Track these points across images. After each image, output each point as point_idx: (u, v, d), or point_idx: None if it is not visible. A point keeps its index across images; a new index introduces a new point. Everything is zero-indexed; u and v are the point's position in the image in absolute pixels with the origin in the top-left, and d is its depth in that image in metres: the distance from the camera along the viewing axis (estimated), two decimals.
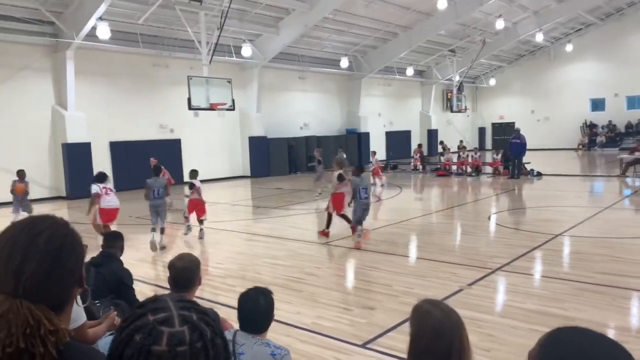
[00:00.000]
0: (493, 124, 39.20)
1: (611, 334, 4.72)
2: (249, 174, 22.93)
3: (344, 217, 9.38)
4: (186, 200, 10.52)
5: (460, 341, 1.77)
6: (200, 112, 16.51)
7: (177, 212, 12.25)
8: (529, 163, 20.35)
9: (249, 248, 9.17)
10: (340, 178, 9.40)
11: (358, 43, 25.55)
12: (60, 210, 12.52)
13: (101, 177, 9.40)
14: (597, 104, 33.90)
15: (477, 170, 21.24)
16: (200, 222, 10.04)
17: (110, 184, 9.64)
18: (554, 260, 7.53)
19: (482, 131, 39.78)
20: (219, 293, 6.33)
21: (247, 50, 20.37)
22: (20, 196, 11.64)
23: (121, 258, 4.82)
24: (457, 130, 37.56)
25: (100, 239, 4.98)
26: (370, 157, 19.68)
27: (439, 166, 22.76)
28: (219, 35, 16.32)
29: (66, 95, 16.76)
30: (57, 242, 1.13)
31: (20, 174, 11.66)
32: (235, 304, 2.71)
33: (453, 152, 24.07)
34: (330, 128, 27.89)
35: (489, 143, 38.68)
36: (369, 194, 8.83)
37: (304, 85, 26.15)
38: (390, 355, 4.35)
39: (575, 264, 7.27)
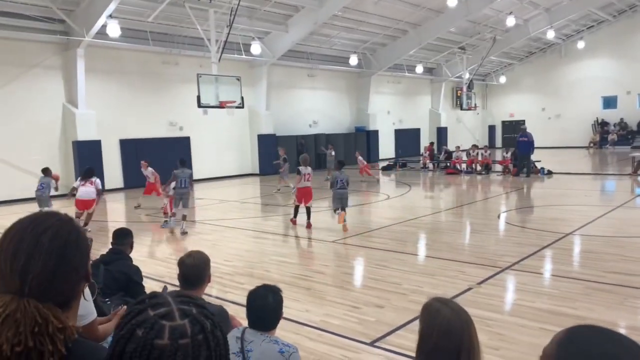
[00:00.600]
0: (503, 122, 38.94)
1: (622, 333, 4.67)
2: (257, 172, 22.98)
3: (307, 209, 10.33)
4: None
5: (469, 340, 1.76)
6: (209, 110, 16.56)
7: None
8: (539, 161, 20.20)
9: (257, 245, 9.20)
10: (298, 172, 10.38)
11: (367, 40, 25.48)
12: (71, 208, 12.65)
13: (84, 173, 11.01)
14: (609, 102, 33.54)
15: (487, 169, 21.13)
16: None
17: (93, 178, 10.91)
18: (564, 260, 7.48)
19: (492, 129, 39.54)
20: (227, 290, 6.36)
21: (256, 48, 20.39)
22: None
23: (131, 255, 4.84)
24: (466, 128, 37.37)
25: (110, 237, 5.01)
26: (357, 157, 19.88)
27: (448, 164, 22.66)
28: (229, 33, 16.36)
29: (76, 93, 16.88)
30: (61, 240, 1.13)
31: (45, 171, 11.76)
32: (243, 301, 2.71)
33: (462, 150, 23.87)
34: (339, 126, 27.86)
35: (499, 141, 38.43)
36: (346, 185, 10.04)
37: (313, 83, 26.13)
38: (399, 353, 4.34)
39: (585, 263, 7.21)
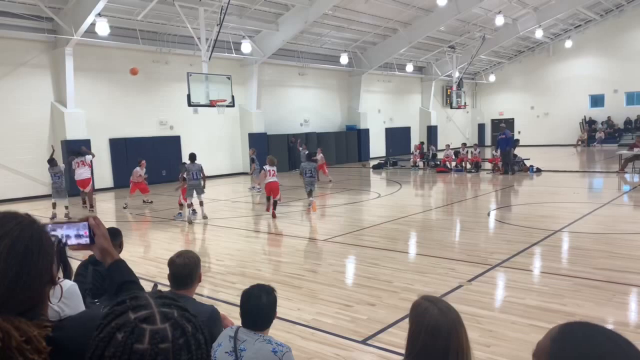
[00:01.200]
0: (493, 120, 39.19)
1: (611, 329, 4.73)
2: (249, 171, 22.88)
3: (274, 202, 11.84)
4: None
5: (457, 339, 1.74)
6: (199, 108, 16.49)
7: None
8: (528, 159, 20.37)
9: (248, 245, 9.19)
10: (262, 170, 12.13)
11: (358, 39, 25.51)
12: (59, 208, 12.56)
13: (76, 153, 13.07)
14: (597, 100, 33.89)
15: (477, 167, 21.26)
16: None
17: (85, 157, 13.00)
18: (553, 256, 7.54)
19: (481, 127, 39.77)
20: (219, 290, 6.35)
21: (246, 46, 20.33)
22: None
23: (121, 255, 4.80)
24: (456, 127, 37.57)
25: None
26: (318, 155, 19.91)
27: (438, 162, 22.77)
28: (219, 32, 16.29)
29: (65, 92, 16.73)
30: (21, 246, 1.07)
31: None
32: (235, 300, 2.72)
33: (452, 149, 23.96)
34: (330, 124, 27.88)
35: (488, 139, 38.68)
36: (313, 174, 12.60)
37: (303, 81, 26.12)
38: (391, 351, 4.36)
39: (574, 260, 7.28)
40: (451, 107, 32.37)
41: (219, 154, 22.24)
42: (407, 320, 1.94)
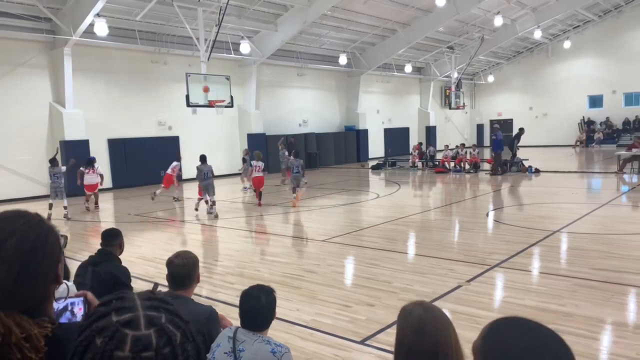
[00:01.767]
0: (491, 121, 39.16)
1: (609, 329, 4.75)
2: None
3: (259, 193, 13.33)
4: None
5: (446, 342, 1.70)
6: (198, 109, 16.46)
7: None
8: (526, 159, 20.39)
9: (247, 245, 9.19)
10: (250, 165, 13.59)
11: (357, 40, 25.52)
12: (58, 208, 12.55)
13: (87, 162, 14.06)
14: (595, 101, 33.94)
15: (476, 167, 21.28)
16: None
17: (96, 166, 14.19)
18: (552, 257, 7.55)
19: (480, 128, 39.79)
20: (217, 290, 6.34)
21: (245, 47, 20.32)
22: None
23: (121, 256, 4.79)
24: (455, 127, 37.59)
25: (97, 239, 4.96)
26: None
27: (437, 163, 22.79)
28: (217, 32, 16.28)
29: (64, 92, 16.71)
30: (27, 245, 1.08)
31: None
32: (234, 301, 2.72)
33: (451, 149, 23.97)
34: (329, 125, 27.88)
35: (487, 140, 38.67)
36: (300, 170, 13.28)
37: (302, 82, 26.11)
38: (389, 351, 4.36)
39: (573, 261, 7.29)
40: (450, 108, 32.38)
41: (218, 155, 22.17)
42: None
